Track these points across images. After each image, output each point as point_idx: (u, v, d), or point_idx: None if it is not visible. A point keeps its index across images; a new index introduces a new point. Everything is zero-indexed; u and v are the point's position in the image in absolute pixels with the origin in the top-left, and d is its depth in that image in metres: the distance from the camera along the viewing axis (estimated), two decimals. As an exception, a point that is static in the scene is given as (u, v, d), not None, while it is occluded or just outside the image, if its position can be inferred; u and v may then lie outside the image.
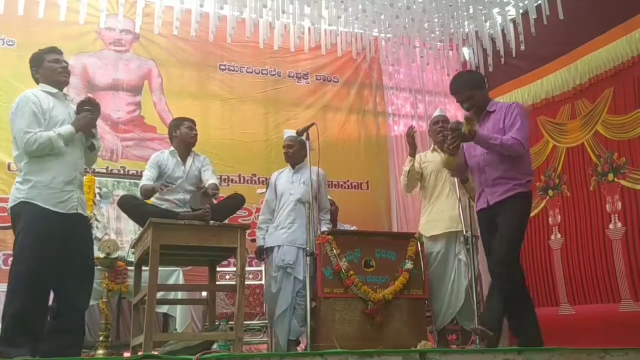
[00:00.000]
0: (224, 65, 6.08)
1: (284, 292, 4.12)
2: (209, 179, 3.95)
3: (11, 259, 3.35)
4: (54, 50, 3.42)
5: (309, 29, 5.94)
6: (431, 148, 4.68)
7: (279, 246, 4.22)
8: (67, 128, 3.22)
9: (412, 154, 4.49)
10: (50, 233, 3.10)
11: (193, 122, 4.11)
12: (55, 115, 3.23)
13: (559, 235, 5.65)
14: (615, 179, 5.13)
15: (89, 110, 3.32)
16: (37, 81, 3.39)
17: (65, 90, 3.45)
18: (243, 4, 5.05)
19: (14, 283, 3.03)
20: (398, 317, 4.00)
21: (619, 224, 5.06)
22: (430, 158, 4.58)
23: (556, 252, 5.65)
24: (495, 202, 3.45)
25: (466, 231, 4.05)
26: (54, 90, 3.32)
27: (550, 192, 5.78)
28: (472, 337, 4.26)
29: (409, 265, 4.11)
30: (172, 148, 4.08)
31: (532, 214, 5.85)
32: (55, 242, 3.11)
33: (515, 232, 3.40)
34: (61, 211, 3.15)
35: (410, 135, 4.49)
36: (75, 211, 3.22)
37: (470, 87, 3.58)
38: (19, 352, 2.87)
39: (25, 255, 3.03)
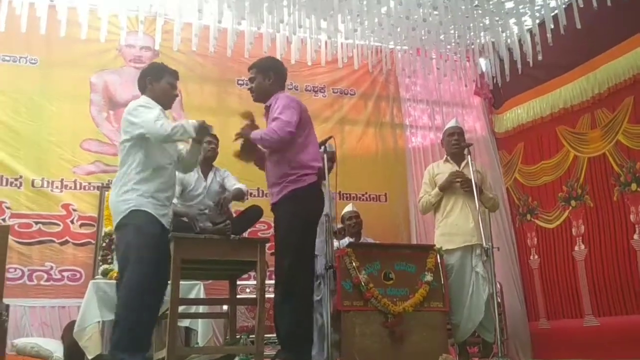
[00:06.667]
0: (242, 80, 6.12)
1: (325, 302, 4.06)
2: (235, 184, 4.01)
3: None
4: (175, 74, 3.40)
5: (326, 42, 5.98)
6: (444, 159, 4.67)
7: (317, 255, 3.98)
8: (192, 122, 3.16)
9: (444, 189, 4.44)
10: (158, 239, 3.08)
11: (212, 135, 4.16)
12: None
13: (582, 246, 5.58)
14: (639, 189, 5.06)
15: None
16: (143, 90, 3.33)
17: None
18: (260, 20, 5.11)
19: (130, 289, 2.97)
20: (418, 330, 3.96)
21: (644, 234, 4.99)
22: (443, 169, 4.56)
23: (580, 263, 5.58)
24: (274, 202, 3.24)
25: (486, 243, 4.03)
26: (159, 107, 3.25)
27: (573, 203, 5.71)
28: (494, 350, 4.23)
29: (428, 277, 4.09)
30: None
31: (554, 225, 5.85)
32: (161, 250, 3.09)
33: (290, 236, 3.11)
34: (163, 223, 3.14)
35: (457, 180, 4.39)
36: (168, 227, 3.22)
37: (257, 69, 3.38)
38: (136, 358, 2.88)
39: (144, 256, 2.98)
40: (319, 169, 3.27)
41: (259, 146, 3.34)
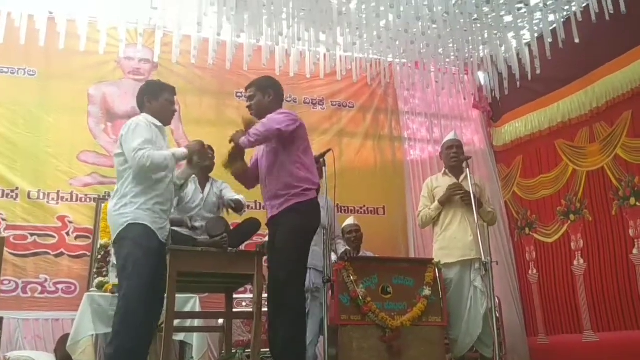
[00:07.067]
0: (241, 92, 6.11)
1: (314, 318, 4.05)
2: (234, 195, 4.01)
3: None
4: (173, 90, 3.46)
5: (325, 55, 6.00)
6: (442, 172, 4.65)
7: (309, 268, 3.96)
8: (182, 150, 3.28)
9: (444, 203, 4.42)
10: (156, 252, 3.08)
11: (209, 147, 4.15)
12: (160, 147, 3.23)
13: (581, 261, 5.55)
14: (638, 203, 5.04)
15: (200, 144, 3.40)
16: (142, 108, 3.38)
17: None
18: (260, 32, 5.12)
19: (128, 303, 2.95)
20: (416, 344, 3.93)
21: (643, 249, 4.96)
22: (442, 182, 4.55)
23: (579, 277, 5.55)
24: (274, 215, 3.27)
25: (485, 257, 3.99)
26: (159, 124, 3.33)
27: (572, 217, 5.69)
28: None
29: (426, 291, 4.06)
30: (191, 175, 4.13)
31: (553, 239, 5.83)
32: (158, 263, 3.10)
33: (289, 247, 3.14)
34: (159, 237, 3.15)
35: (456, 192, 4.36)
36: (165, 240, 3.21)
37: (257, 87, 3.46)
38: None
39: (144, 274, 2.98)
40: (318, 184, 3.35)
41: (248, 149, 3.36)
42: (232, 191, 4.22)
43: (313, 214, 3.27)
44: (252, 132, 3.22)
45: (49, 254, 5.14)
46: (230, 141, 3.33)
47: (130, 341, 2.91)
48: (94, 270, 4.96)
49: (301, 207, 3.20)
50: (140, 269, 2.98)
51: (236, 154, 3.36)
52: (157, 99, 3.36)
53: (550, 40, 5.31)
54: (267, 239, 4.31)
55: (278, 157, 3.30)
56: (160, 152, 3.15)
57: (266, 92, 3.44)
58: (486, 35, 5.80)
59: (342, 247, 4.39)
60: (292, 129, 3.26)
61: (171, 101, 3.42)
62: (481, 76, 6.84)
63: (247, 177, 3.51)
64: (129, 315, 2.94)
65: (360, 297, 3.88)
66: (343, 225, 5.20)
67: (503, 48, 5.98)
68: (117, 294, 3.92)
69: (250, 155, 3.61)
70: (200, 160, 3.42)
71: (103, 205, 5.15)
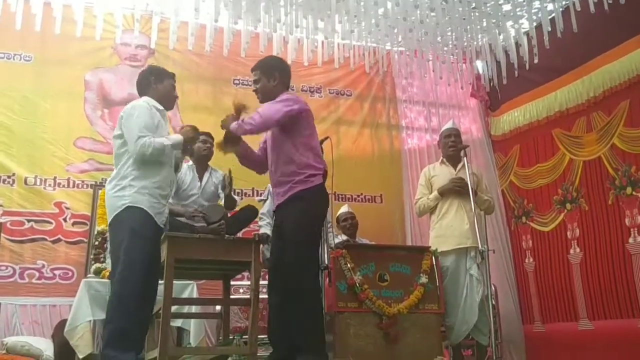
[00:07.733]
0: (238, 79, 6.10)
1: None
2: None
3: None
4: (174, 77, 3.48)
5: (323, 43, 5.97)
6: (440, 160, 4.66)
7: None
8: (177, 137, 3.26)
9: (444, 194, 4.41)
10: (151, 237, 3.10)
11: (208, 135, 4.15)
12: (161, 131, 3.24)
13: (578, 250, 5.57)
14: (634, 193, 5.06)
15: (194, 129, 3.39)
16: (146, 91, 3.37)
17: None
18: (257, 19, 5.09)
19: (122, 289, 2.98)
20: (413, 332, 3.95)
21: (639, 238, 4.98)
22: (439, 171, 4.56)
23: (575, 266, 5.58)
24: (280, 203, 3.26)
25: (481, 245, 4.01)
26: (161, 107, 3.33)
27: (568, 206, 5.71)
28: (489, 353, 4.21)
29: (423, 279, 4.08)
30: (190, 162, 4.13)
31: (549, 228, 5.85)
32: (154, 249, 3.12)
33: (298, 233, 3.12)
34: (157, 222, 3.15)
35: (458, 187, 4.35)
36: (163, 226, 3.22)
37: (261, 70, 3.40)
38: (128, 357, 2.90)
39: (137, 261, 2.99)
40: (324, 170, 3.30)
41: (242, 136, 3.34)
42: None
43: (319, 200, 3.23)
44: (247, 121, 3.18)
45: (46, 240, 5.14)
46: (222, 127, 3.30)
47: (124, 324, 2.93)
48: (91, 256, 4.96)
49: (306, 194, 3.16)
50: (135, 255, 2.99)
51: (232, 137, 3.32)
52: (162, 82, 3.36)
53: (549, 29, 5.30)
54: (261, 230, 4.37)
55: (282, 143, 3.26)
56: (159, 139, 3.14)
57: (271, 76, 3.37)
58: (485, 24, 5.78)
59: (330, 236, 4.38)
60: (293, 114, 3.21)
61: (174, 86, 3.43)
62: (479, 65, 6.82)
63: (251, 161, 3.47)
64: (122, 302, 2.96)
65: (358, 285, 3.89)
66: (337, 214, 5.22)
67: (501, 37, 5.96)
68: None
69: (257, 140, 3.58)
70: (190, 143, 3.39)
71: (100, 191, 5.14)
